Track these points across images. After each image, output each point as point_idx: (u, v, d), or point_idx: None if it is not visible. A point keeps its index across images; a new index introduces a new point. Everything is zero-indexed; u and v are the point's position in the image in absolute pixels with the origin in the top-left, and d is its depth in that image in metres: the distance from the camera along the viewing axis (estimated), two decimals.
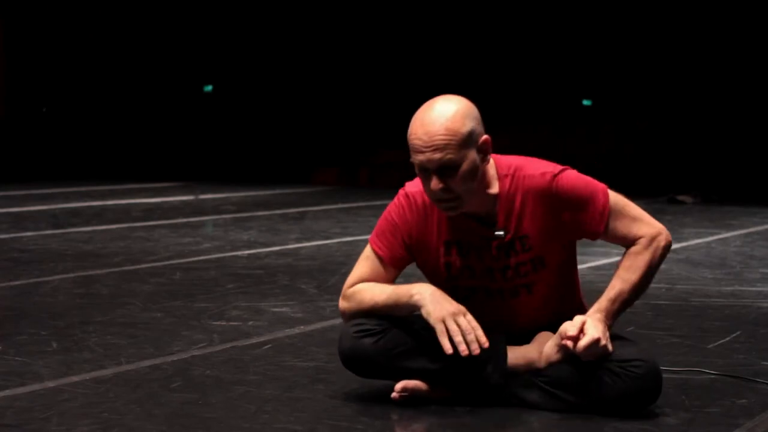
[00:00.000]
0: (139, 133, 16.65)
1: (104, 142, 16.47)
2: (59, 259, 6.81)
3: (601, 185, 3.36)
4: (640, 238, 3.41)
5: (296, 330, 4.65)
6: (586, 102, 14.85)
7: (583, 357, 3.23)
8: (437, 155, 3.17)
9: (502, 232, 3.33)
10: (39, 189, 12.94)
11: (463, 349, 3.21)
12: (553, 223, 3.32)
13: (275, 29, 16.20)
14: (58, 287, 5.70)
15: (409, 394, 3.37)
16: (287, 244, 7.79)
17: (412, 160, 3.26)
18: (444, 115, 3.21)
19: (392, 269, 3.43)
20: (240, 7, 16.35)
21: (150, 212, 10.27)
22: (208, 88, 16.78)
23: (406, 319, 3.41)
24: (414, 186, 3.41)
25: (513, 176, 3.32)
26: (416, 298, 3.31)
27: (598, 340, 3.20)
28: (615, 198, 3.38)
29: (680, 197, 12.15)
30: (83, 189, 13.17)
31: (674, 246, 7.87)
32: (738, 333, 4.67)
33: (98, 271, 6.29)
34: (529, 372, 3.35)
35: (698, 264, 6.92)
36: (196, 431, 3.14)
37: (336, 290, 5.69)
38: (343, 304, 3.44)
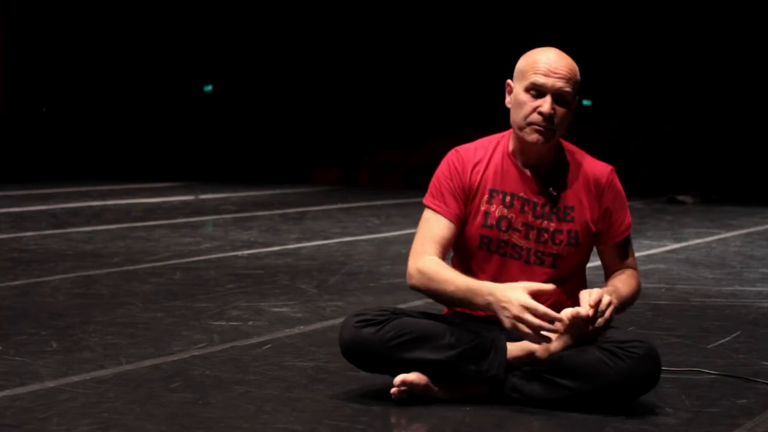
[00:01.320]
0: (139, 133, 16.65)
1: (104, 142, 16.47)
2: (59, 259, 6.81)
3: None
4: (630, 268, 3.58)
5: (296, 330, 4.65)
6: (585, 102, 14.85)
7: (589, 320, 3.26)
8: (560, 83, 3.39)
9: (554, 192, 3.46)
10: (39, 189, 12.94)
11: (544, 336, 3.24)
12: (595, 208, 3.48)
13: (275, 29, 16.21)
14: (58, 287, 5.70)
15: (408, 388, 3.37)
16: (287, 244, 7.79)
17: (528, 81, 3.39)
18: (567, 57, 3.45)
19: (454, 227, 3.47)
20: (240, 7, 16.35)
21: (150, 212, 10.27)
22: (208, 88, 16.78)
23: (408, 311, 3.45)
24: (463, 147, 3.55)
25: (575, 153, 3.54)
26: (492, 308, 3.29)
27: (610, 303, 3.28)
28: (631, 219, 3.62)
29: (680, 197, 12.15)
30: (83, 189, 13.17)
31: (674, 246, 7.90)
32: (738, 333, 4.67)
33: (98, 271, 6.29)
34: (530, 363, 3.36)
35: (698, 264, 6.92)
36: (196, 431, 3.14)
37: (336, 290, 5.71)
38: (416, 276, 3.44)
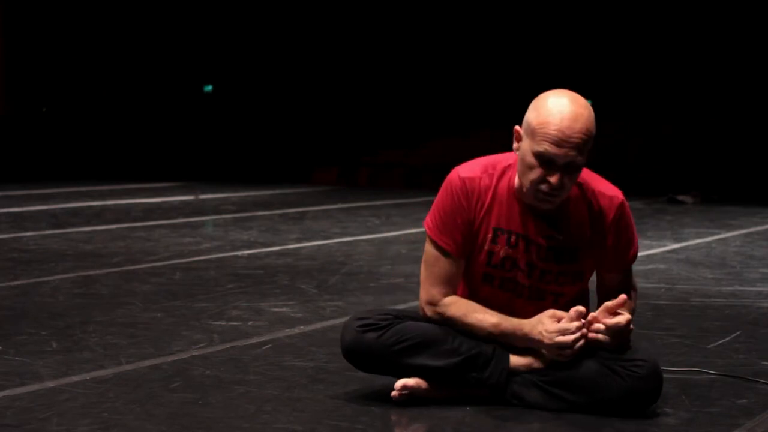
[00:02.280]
0: (139, 133, 16.65)
1: (104, 142, 16.47)
2: (59, 259, 6.81)
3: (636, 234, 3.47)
4: (632, 289, 3.50)
5: (296, 330, 4.65)
6: None
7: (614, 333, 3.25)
8: (573, 153, 3.16)
9: (560, 236, 3.34)
10: (39, 189, 12.94)
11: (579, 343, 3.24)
12: (601, 243, 3.37)
13: (275, 29, 16.21)
14: (58, 287, 5.70)
15: (409, 393, 3.37)
16: (287, 244, 7.79)
17: (536, 148, 3.18)
18: (585, 114, 3.19)
19: (461, 261, 3.39)
20: (240, 7, 16.35)
21: (150, 212, 10.27)
22: (208, 88, 16.78)
23: (410, 316, 3.43)
24: (468, 171, 3.36)
25: (585, 183, 3.36)
26: (533, 340, 3.29)
27: (629, 321, 3.26)
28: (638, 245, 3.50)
29: (680, 197, 12.15)
30: (83, 189, 13.17)
31: (674, 246, 7.90)
32: (738, 333, 4.67)
33: (98, 271, 6.29)
34: (530, 372, 3.35)
35: (698, 264, 6.92)
36: (196, 431, 3.14)
37: (336, 290, 5.71)
38: (436, 318, 3.39)
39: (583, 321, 3.25)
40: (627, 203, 3.40)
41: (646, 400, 3.29)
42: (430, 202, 3.53)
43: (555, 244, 3.34)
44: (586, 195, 3.35)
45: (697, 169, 13.43)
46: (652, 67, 14.18)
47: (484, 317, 3.35)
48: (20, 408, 3.35)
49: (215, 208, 10.90)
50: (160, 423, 3.19)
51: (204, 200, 11.89)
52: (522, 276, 3.37)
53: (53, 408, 3.34)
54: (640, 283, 5.91)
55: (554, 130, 3.15)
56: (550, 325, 3.25)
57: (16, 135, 15.72)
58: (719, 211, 11.03)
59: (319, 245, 7.74)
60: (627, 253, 3.41)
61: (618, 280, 3.45)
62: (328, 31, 15.99)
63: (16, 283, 5.85)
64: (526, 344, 3.32)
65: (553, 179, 3.18)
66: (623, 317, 3.26)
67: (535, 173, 3.20)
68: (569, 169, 3.19)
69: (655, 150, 14.00)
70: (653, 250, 7.66)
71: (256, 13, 16.26)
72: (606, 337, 3.25)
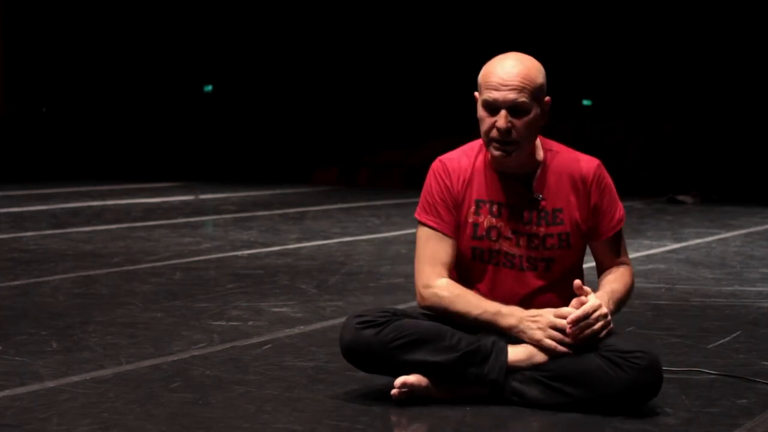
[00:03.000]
0: (139, 133, 16.65)
1: (104, 142, 16.47)
2: (59, 259, 6.81)
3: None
4: (624, 264, 3.55)
5: (296, 330, 4.65)
6: (586, 102, 14.85)
7: (585, 326, 3.28)
8: (512, 95, 3.32)
9: (540, 196, 3.42)
10: (39, 189, 12.94)
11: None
12: (584, 207, 3.45)
13: (275, 29, 16.21)
14: (58, 287, 5.70)
15: (409, 390, 3.36)
16: (287, 244, 7.79)
17: (482, 97, 3.37)
18: (523, 63, 3.37)
19: (455, 241, 3.46)
20: (240, 7, 16.35)
21: (150, 212, 10.27)
22: (208, 88, 16.78)
23: (409, 314, 3.44)
24: (447, 155, 3.51)
25: (558, 153, 3.49)
26: (517, 330, 3.35)
27: (599, 307, 3.28)
28: (623, 212, 3.55)
29: (680, 197, 12.15)
30: (83, 189, 13.17)
31: (674, 246, 7.90)
32: (738, 333, 4.67)
33: (98, 271, 6.29)
34: (531, 367, 3.35)
35: (698, 264, 6.92)
36: (196, 431, 3.14)
37: (336, 290, 5.71)
38: (429, 299, 3.43)
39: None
40: (604, 169, 3.49)
41: (647, 393, 3.30)
42: None
43: (537, 206, 3.43)
44: (563, 161, 3.47)
45: (697, 169, 13.43)
46: (652, 67, 14.18)
47: (480, 299, 3.40)
48: (20, 408, 3.35)
49: (215, 208, 10.90)
50: (160, 423, 3.19)
51: (204, 200, 11.89)
52: (510, 245, 3.43)
53: (53, 408, 3.34)
54: (640, 283, 5.92)
55: (494, 77, 3.36)
56: (554, 318, 3.31)
57: (16, 135, 15.72)
58: (719, 211, 11.03)
59: (319, 245, 7.74)
60: (612, 215, 3.47)
61: (610, 250, 3.50)
62: (328, 32, 15.99)
63: (16, 283, 5.85)
64: (512, 327, 3.35)
65: (500, 122, 3.33)
66: (588, 305, 3.28)
67: (487, 123, 3.37)
68: (516, 112, 3.33)
69: (655, 150, 14.00)
70: (653, 250, 7.66)
71: (256, 13, 16.26)
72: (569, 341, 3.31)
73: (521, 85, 3.32)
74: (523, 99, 3.32)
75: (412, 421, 3.28)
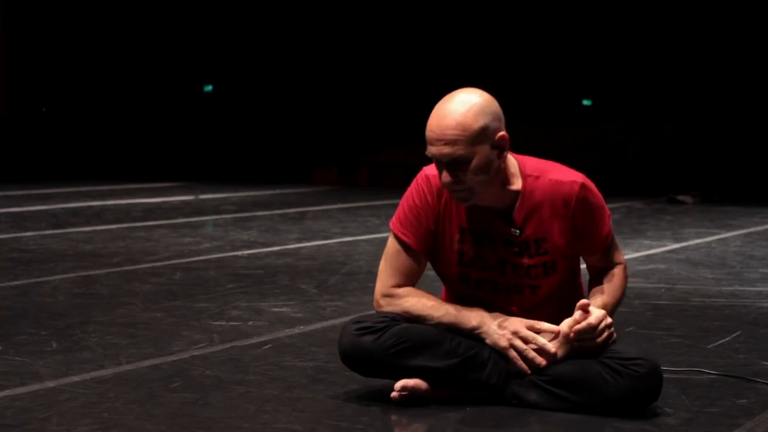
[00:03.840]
0: (139, 133, 16.65)
1: (104, 142, 16.47)
2: (59, 259, 6.81)
3: (607, 209, 3.44)
4: (617, 264, 3.49)
5: (296, 330, 4.65)
6: (586, 102, 14.85)
7: (589, 337, 3.26)
8: (447, 149, 3.21)
9: (518, 232, 3.35)
10: (39, 189, 12.94)
11: (538, 362, 3.30)
12: (569, 230, 3.36)
13: (275, 29, 16.20)
14: (58, 287, 5.70)
15: (409, 393, 3.36)
16: (287, 244, 7.79)
17: (426, 151, 3.27)
18: (458, 109, 3.23)
19: (422, 257, 3.42)
20: (240, 7, 16.35)
21: (150, 212, 10.27)
22: (208, 88, 16.77)
23: (407, 319, 3.42)
24: (432, 169, 3.38)
25: (539, 178, 3.34)
26: (479, 331, 3.35)
27: (604, 317, 3.26)
28: (611, 224, 3.48)
29: (680, 197, 12.15)
30: (83, 189, 13.17)
31: (674, 246, 7.90)
32: (738, 333, 4.67)
33: (98, 271, 6.29)
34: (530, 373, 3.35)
35: (698, 264, 6.92)
36: (196, 431, 3.14)
37: (336, 290, 5.71)
38: (385, 307, 3.42)
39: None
40: (590, 184, 3.37)
41: (646, 399, 3.29)
42: None
43: (517, 239, 3.35)
44: (544, 187, 3.34)
45: (697, 169, 13.43)
46: (652, 67, 14.18)
47: (441, 302, 3.40)
48: (20, 408, 3.35)
49: (215, 208, 10.90)
50: (160, 423, 3.19)
51: (204, 200, 11.89)
52: (495, 274, 3.39)
53: (53, 408, 3.34)
54: (640, 283, 5.92)
55: (428, 131, 3.25)
56: (522, 328, 3.31)
57: (16, 135, 15.72)
58: (719, 211, 11.03)
59: (319, 245, 7.74)
60: (599, 234, 3.39)
61: (600, 260, 3.45)
62: (328, 32, 15.99)
63: (16, 283, 5.85)
64: (474, 328, 3.34)
65: (443, 177, 3.24)
66: (593, 317, 3.26)
67: (439, 174, 3.28)
68: (457, 165, 3.21)
69: (655, 150, 14.00)
70: (653, 250, 7.66)
71: (256, 13, 16.26)
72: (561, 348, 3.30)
73: (454, 137, 3.19)
74: (460, 152, 3.19)
75: (412, 421, 3.28)
